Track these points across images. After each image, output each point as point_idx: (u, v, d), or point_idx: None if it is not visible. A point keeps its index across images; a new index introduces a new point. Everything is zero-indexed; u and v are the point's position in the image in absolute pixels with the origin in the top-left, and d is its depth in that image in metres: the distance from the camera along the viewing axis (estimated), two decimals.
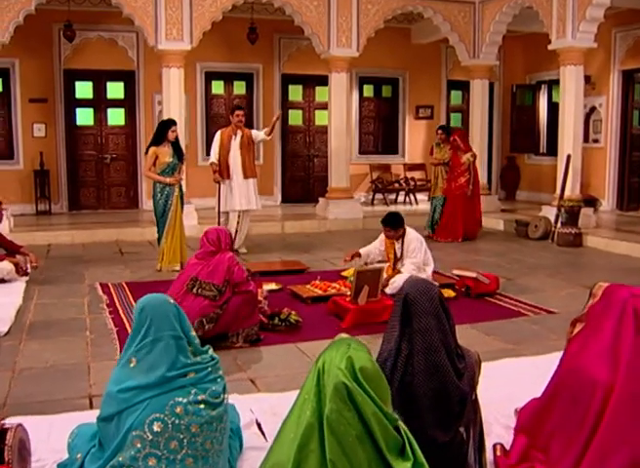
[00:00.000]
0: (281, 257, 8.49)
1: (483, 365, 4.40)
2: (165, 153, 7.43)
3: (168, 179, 7.41)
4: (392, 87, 13.90)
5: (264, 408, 3.55)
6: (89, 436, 2.85)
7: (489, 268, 7.63)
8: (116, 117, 12.14)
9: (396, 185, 13.44)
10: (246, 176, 8.51)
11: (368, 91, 13.84)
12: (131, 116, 12.07)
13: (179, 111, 9.97)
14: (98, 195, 12.10)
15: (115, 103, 12.12)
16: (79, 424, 3.01)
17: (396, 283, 6.36)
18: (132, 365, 2.59)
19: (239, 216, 8.65)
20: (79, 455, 2.79)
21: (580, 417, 2.66)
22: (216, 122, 12.27)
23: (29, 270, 7.06)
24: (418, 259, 6.34)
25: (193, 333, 2.67)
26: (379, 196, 13.36)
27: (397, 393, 2.56)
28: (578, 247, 9.14)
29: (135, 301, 5.67)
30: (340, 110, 11.10)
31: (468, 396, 2.61)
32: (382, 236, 6.52)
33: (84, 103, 11.94)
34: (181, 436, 2.50)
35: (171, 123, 7.56)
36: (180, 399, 2.52)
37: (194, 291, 4.71)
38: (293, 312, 5.30)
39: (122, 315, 5.67)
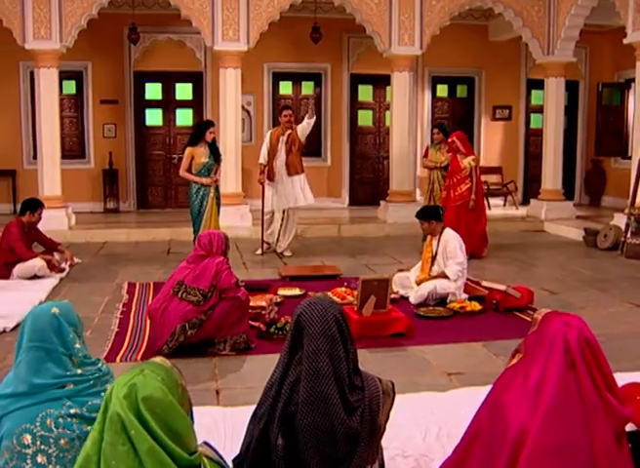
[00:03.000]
0: (323, 262, 8.26)
1: (468, 390, 4.06)
2: (201, 154, 7.43)
3: (204, 180, 7.41)
4: (468, 86, 13.32)
5: (204, 423, 3.36)
6: None
7: (539, 280, 7.11)
8: (184, 118, 12.38)
9: None
10: (290, 174, 8.37)
11: (441, 91, 13.34)
12: (199, 117, 12.20)
13: (235, 111, 9.99)
14: (165, 194, 12.37)
15: (183, 104, 12.38)
16: None
17: (420, 292, 6.03)
18: (13, 373, 2.53)
19: (282, 218, 8.53)
20: None
21: (492, 466, 2.29)
22: None
23: (65, 267, 7.24)
24: (461, 259, 6.03)
25: (78, 346, 2.55)
26: None
27: (280, 424, 2.31)
28: None
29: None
30: (402, 111, 10.75)
31: (361, 434, 2.30)
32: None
33: (153, 104, 12.27)
34: (50, 450, 2.38)
35: (209, 124, 7.60)
36: (53, 411, 2.41)
37: (179, 295, 4.61)
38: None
39: (132, 316, 5.66)
